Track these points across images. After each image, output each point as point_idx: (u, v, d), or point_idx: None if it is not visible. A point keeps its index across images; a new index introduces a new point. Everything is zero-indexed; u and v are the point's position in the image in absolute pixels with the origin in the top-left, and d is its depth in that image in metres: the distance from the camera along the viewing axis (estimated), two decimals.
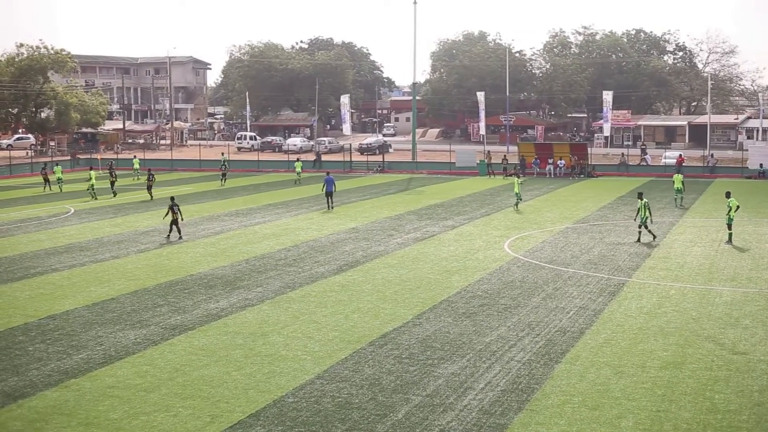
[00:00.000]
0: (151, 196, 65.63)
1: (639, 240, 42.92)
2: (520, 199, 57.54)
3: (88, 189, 66.88)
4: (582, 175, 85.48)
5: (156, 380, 21.68)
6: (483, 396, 20.24)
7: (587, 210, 56.23)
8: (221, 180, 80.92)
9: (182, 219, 46.58)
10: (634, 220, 44.22)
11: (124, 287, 32.96)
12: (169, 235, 45.76)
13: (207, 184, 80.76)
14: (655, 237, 43.22)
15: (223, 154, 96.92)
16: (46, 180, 73.45)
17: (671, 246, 41.50)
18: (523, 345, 24.41)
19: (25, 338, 25.83)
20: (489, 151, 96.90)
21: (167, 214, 45.75)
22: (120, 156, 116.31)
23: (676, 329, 26.06)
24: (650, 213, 42.90)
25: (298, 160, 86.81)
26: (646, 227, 43.03)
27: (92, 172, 68.20)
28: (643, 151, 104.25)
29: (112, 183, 70.31)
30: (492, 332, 25.84)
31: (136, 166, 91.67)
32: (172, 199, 46.56)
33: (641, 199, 42.81)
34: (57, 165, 74.16)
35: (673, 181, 60.39)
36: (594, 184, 76.83)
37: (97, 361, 23.37)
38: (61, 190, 71.95)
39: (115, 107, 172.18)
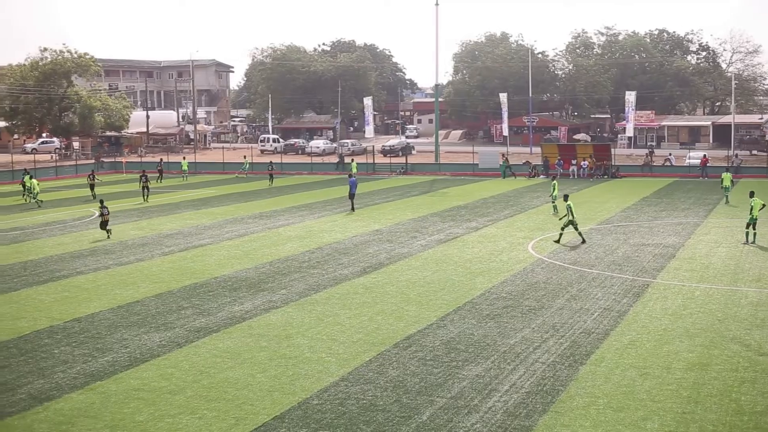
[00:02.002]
0: (145, 198, 66.37)
1: (559, 241, 43.07)
2: (553, 201, 56.26)
3: (28, 197, 66.58)
4: (606, 176, 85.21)
5: (181, 382, 21.73)
6: (507, 398, 20.20)
7: (611, 211, 56.03)
8: (269, 180, 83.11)
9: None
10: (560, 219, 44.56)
11: (148, 290, 33.07)
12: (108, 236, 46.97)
13: (231, 186, 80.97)
14: (584, 241, 42.99)
15: (245, 157, 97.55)
16: (92, 185, 71.24)
17: (696, 247, 41.31)
18: (548, 347, 24.34)
19: (51, 341, 25.94)
20: (502, 153, 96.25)
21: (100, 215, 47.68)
22: (143, 159, 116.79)
23: (701, 330, 25.93)
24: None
25: (352, 161, 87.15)
26: (575, 228, 42.99)
27: (34, 180, 67.04)
28: (650, 153, 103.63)
29: (144, 188, 67.74)
30: (516, 334, 25.79)
31: (185, 167, 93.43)
32: (102, 202, 48.97)
33: (567, 201, 43.18)
34: (28, 175, 68.93)
35: (722, 179, 60.86)
36: (618, 185, 76.56)
37: (122, 363, 23.45)
38: (31, 200, 66.32)
39: (138, 110, 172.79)
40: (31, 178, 67.55)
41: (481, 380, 21.46)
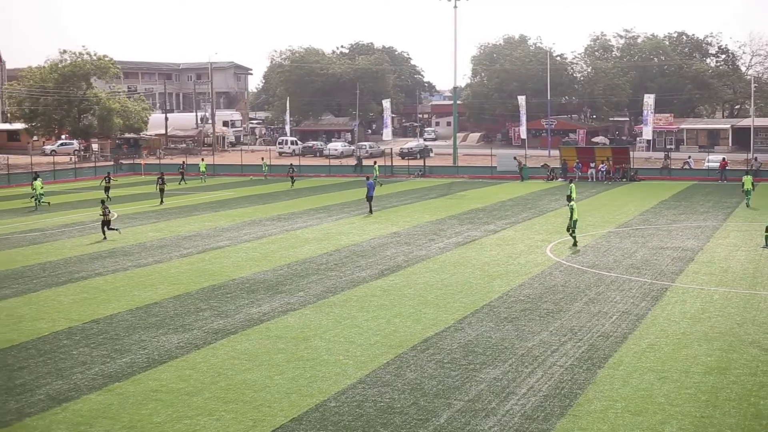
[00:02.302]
0: (108, 197, 64.27)
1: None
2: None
3: (35, 199, 65.66)
4: (624, 179, 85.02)
5: (199, 384, 21.78)
6: (525, 401, 20.17)
7: (629, 214, 55.90)
8: (291, 182, 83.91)
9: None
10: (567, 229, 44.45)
11: (167, 291, 33.15)
12: (105, 237, 47.78)
13: (249, 188, 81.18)
14: (575, 244, 42.95)
15: (263, 159, 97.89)
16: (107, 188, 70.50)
17: (715, 250, 41.18)
18: (566, 350, 24.30)
19: (70, 342, 26.03)
20: (515, 156, 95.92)
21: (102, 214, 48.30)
22: (162, 161, 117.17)
23: (720, 334, 25.84)
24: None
25: (375, 163, 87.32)
26: (572, 230, 43.00)
27: (37, 182, 66.31)
28: (667, 156, 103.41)
29: (161, 190, 68.22)
30: (534, 337, 25.74)
31: (203, 169, 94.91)
32: (103, 202, 49.90)
33: (570, 202, 43.29)
34: (37, 179, 67.55)
35: (743, 183, 60.70)
36: (636, 188, 76.37)
37: (140, 364, 23.52)
38: (36, 207, 65.11)
39: (157, 112, 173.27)
40: (35, 179, 67.12)
41: (499, 383, 21.43)
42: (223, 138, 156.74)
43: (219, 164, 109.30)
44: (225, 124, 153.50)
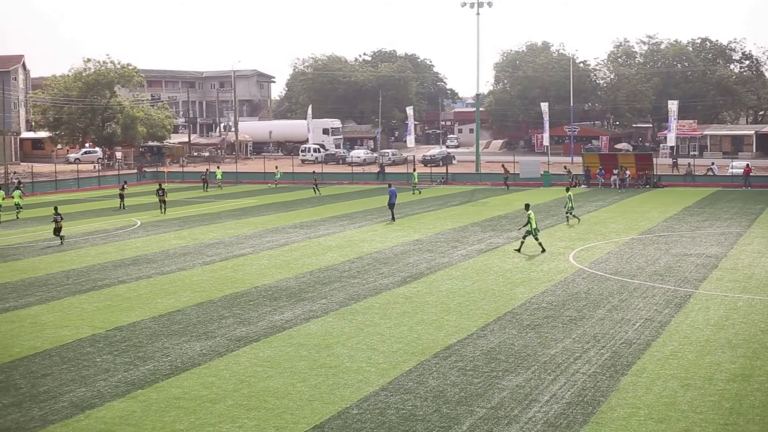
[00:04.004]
0: (162, 211, 65.66)
1: (520, 250, 43.22)
2: (571, 212, 55.33)
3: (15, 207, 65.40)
4: (647, 186, 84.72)
5: (221, 391, 21.81)
6: (548, 408, 20.11)
7: (653, 221, 55.69)
8: (315, 189, 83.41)
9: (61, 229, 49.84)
10: (519, 230, 44.54)
11: (189, 299, 33.23)
12: (61, 242, 49.18)
13: (272, 196, 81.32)
14: (543, 250, 43.15)
15: (277, 167, 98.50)
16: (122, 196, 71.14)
17: (739, 257, 40.97)
18: (589, 357, 24.21)
19: (93, 349, 26.12)
20: (503, 164, 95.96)
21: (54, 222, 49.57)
22: (185, 168, 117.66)
23: (744, 341, 25.70)
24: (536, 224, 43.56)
25: (414, 170, 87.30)
26: (535, 238, 43.26)
27: (17, 191, 66.41)
28: (675, 164, 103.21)
29: (162, 201, 66.89)
30: (557, 344, 25.67)
31: (219, 176, 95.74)
32: (56, 209, 50.89)
33: (528, 210, 43.43)
34: (17, 189, 67.55)
35: None
36: (659, 195, 76.11)
37: (163, 372, 23.57)
38: (17, 217, 64.50)
39: (180, 121, 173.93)
40: (16, 188, 67.07)
41: (522, 390, 21.38)
42: (246, 145, 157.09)
43: (242, 171, 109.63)
44: (325, 131, 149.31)
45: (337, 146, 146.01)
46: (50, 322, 29.79)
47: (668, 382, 21.87)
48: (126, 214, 65.32)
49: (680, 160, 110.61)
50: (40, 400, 21.40)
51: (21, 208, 65.88)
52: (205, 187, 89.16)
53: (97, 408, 20.74)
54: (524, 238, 43.53)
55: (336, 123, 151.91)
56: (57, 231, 49.27)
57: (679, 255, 41.71)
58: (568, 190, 56.75)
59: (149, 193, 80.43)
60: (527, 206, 44.23)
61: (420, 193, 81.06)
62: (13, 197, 66.92)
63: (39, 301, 33.32)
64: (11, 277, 38.78)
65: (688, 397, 20.70)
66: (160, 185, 69.61)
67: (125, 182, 77.09)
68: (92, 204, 74.58)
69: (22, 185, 69.80)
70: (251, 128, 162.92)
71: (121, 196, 70.07)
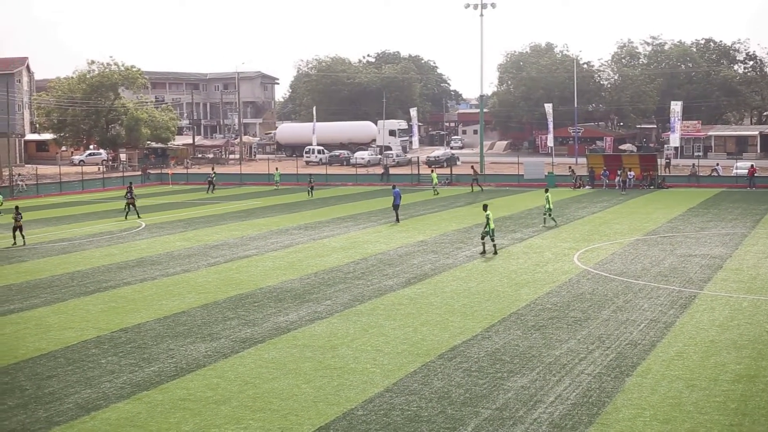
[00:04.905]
0: (130, 214, 63.57)
1: (484, 252, 43.34)
2: (549, 214, 54.48)
3: None
4: (652, 187, 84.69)
5: (226, 393, 21.82)
6: (553, 409, 20.10)
7: (657, 222, 55.65)
8: (309, 192, 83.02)
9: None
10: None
11: (194, 300, 33.24)
12: (14, 242, 49.98)
13: (276, 197, 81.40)
14: (496, 252, 43.38)
15: (277, 168, 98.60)
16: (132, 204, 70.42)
17: (744, 258, 40.93)
18: (594, 358, 24.20)
19: (98, 351, 26.14)
20: (472, 165, 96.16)
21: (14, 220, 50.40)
22: (190, 171, 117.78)
23: (749, 342, 25.67)
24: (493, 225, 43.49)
25: (432, 171, 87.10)
26: (491, 239, 43.41)
27: None
28: (668, 164, 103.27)
29: (131, 204, 64.53)
30: (562, 345, 25.66)
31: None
32: (17, 209, 51.57)
33: (486, 211, 43.61)
34: None
35: None
36: (664, 196, 76.06)
37: (168, 373, 23.58)
38: None
39: (184, 122, 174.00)
40: None
41: (527, 391, 21.36)
42: (251, 147, 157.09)
43: (246, 173, 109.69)
44: (392, 133, 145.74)
45: (403, 148, 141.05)
46: (55, 324, 29.81)
47: (673, 382, 21.85)
48: (131, 216, 65.04)
49: (682, 161, 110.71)
50: (46, 401, 21.42)
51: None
52: (210, 189, 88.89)
53: (103, 409, 20.75)
54: (483, 239, 43.66)
55: (403, 124, 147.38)
56: (15, 230, 50.09)
57: (683, 256, 41.68)
58: (546, 191, 56.55)
59: (154, 194, 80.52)
60: (485, 207, 44.55)
61: (438, 193, 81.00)
62: None
63: (44, 303, 33.35)
64: (16, 279, 38.83)
65: (693, 398, 20.68)
66: (130, 186, 67.07)
67: (131, 183, 74.46)
68: (97, 206, 74.61)
69: None
70: (291, 130, 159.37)
71: (132, 204, 68.66)
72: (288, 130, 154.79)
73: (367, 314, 30.30)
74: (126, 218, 62.96)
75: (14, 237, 50.13)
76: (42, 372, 23.99)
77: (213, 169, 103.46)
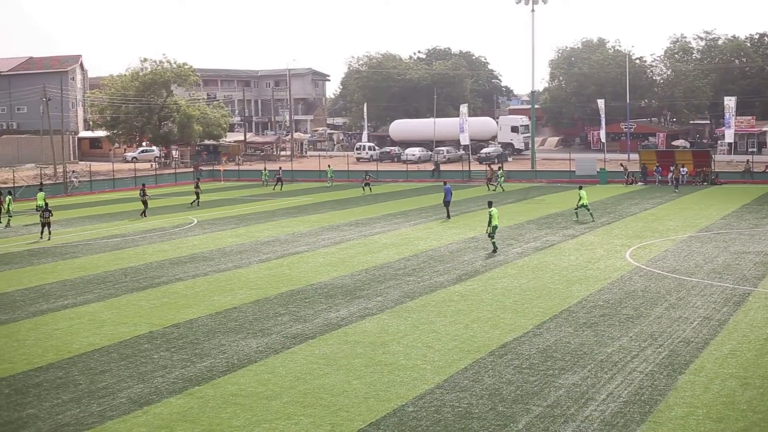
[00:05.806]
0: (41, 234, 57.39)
1: (495, 250, 43.20)
2: (586, 208, 55.42)
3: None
4: (705, 183, 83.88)
5: (277, 388, 21.90)
6: (605, 407, 19.98)
7: (711, 218, 55.11)
8: (363, 188, 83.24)
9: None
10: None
11: (246, 296, 33.40)
12: (41, 236, 52.24)
13: (327, 194, 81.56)
14: (495, 250, 43.19)
15: (329, 166, 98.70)
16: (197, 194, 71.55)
17: None
18: (646, 356, 24.02)
19: (150, 346, 26.35)
20: (489, 164, 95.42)
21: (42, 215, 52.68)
22: (241, 168, 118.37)
23: None
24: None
25: (500, 168, 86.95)
26: (491, 237, 43.39)
27: (9, 197, 62.45)
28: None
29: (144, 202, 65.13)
30: (613, 342, 25.50)
31: (265, 176, 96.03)
32: (46, 205, 53.84)
33: (490, 207, 43.60)
34: (9, 194, 63.40)
35: None
36: (717, 192, 75.33)
37: (219, 369, 23.72)
38: (8, 224, 60.48)
39: (236, 119, 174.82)
40: (8, 194, 63.33)
41: (578, 389, 21.26)
42: (301, 144, 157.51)
43: (297, 170, 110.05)
44: (514, 129, 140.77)
45: (525, 144, 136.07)
46: (108, 319, 30.09)
47: (727, 381, 21.65)
48: (184, 212, 65.40)
49: (736, 158, 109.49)
50: (99, 396, 21.62)
51: (11, 215, 61.90)
52: (277, 185, 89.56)
53: (155, 404, 20.92)
54: (492, 237, 43.59)
55: (525, 120, 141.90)
56: (44, 225, 51.94)
57: (737, 253, 41.25)
58: (580, 188, 56.36)
59: (206, 191, 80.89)
60: (490, 204, 44.58)
61: (503, 190, 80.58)
62: (36, 199, 62.37)
63: (97, 299, 33.67)
64: (70, 275, 39.23)
65: (746, 397, 20.47)
66: (143, 187, 67.18)
67: (144, 184, 71.00)
68: (150, 202, 75.11)
69: (11, 193, 65.42)
70: (406, 126, 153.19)
71: (197, 194, 71.33)
72: (402, 126, 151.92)
73: (417, 311, 30.29)
74: (144, 215, 64.05)
75: (41, 233, 52.32)
76: (95, 367, 24.22)
77: (280, 167, 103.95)
